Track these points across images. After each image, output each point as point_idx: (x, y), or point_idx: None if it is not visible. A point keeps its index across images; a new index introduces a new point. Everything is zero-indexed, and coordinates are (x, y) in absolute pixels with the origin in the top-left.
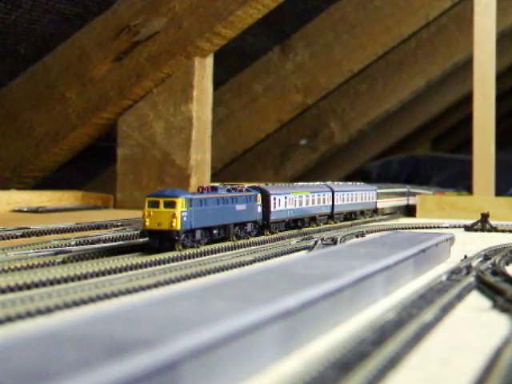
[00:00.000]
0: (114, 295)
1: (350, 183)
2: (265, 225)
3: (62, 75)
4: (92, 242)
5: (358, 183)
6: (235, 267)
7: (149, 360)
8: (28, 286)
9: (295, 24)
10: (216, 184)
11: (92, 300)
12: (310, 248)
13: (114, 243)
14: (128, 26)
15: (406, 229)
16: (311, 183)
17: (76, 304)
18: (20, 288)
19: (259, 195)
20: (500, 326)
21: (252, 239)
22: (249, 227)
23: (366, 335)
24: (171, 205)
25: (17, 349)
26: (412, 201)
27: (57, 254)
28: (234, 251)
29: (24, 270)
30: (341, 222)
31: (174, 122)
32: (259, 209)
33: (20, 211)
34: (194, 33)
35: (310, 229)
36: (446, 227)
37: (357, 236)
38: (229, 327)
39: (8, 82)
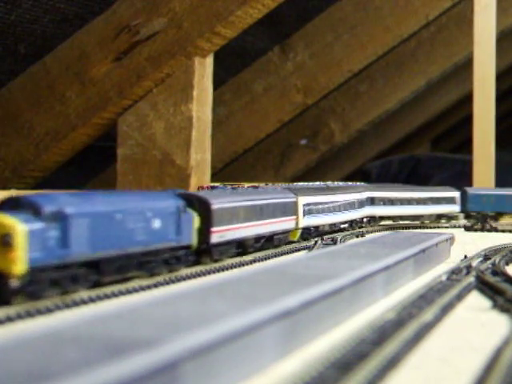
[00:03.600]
0: (114, 295)
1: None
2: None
3: (62, 75)
4: None
5: (358, 183)
6: (235, 267)
7: (149, 360)
8: None
9: (295, 24)
10: (216, 184)
11: (92, 300)
12: (310, 248)
13: None
14: (128, 26)
15: (405, 229)
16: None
17: (76, 304)
18: None
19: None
20: (500, 325)
21: None
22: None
23: (366, 335)
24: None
25: (17, 349)
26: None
27: None
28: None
29: None
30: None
31: (174, 121)
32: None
33: None
34: (194, 33)
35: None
36: (446, 227)
37: (357, 236)
38: (229, 327)
39: (8, 82)
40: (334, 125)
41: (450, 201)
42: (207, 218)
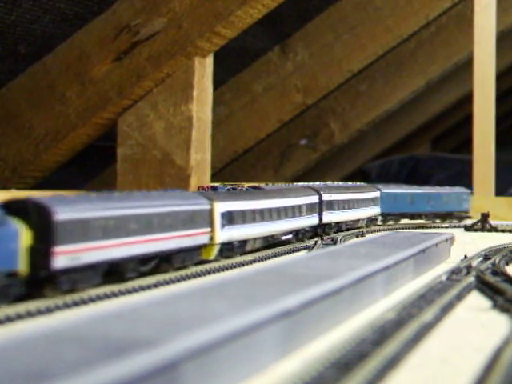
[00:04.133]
0: (114, 295)
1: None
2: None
3: (62, 75)
4: None
5: (358, 183)
6: (235, 267)
7: (149, 360)
8: None
9: (295, 24)
10: (216, 184)
11: (92, 300)
12: (309, 248)
13: None
14: (128, 26)
15: (406, 229)
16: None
17: (76, 304)
18: None
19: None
20: (500, 326)
21: None
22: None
23: (366, 335)
24: None
25: (17, 349)
26: None
27: None
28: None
29: None
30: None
31: (173, 121)
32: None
33: None
34: (194, 33)
35: None
36: (446, 227)
37: (357, 236)
38: (229, 327)
39: (8, 82)
40: (333, 125)
41: (376, 202)
42: (47, 233)
